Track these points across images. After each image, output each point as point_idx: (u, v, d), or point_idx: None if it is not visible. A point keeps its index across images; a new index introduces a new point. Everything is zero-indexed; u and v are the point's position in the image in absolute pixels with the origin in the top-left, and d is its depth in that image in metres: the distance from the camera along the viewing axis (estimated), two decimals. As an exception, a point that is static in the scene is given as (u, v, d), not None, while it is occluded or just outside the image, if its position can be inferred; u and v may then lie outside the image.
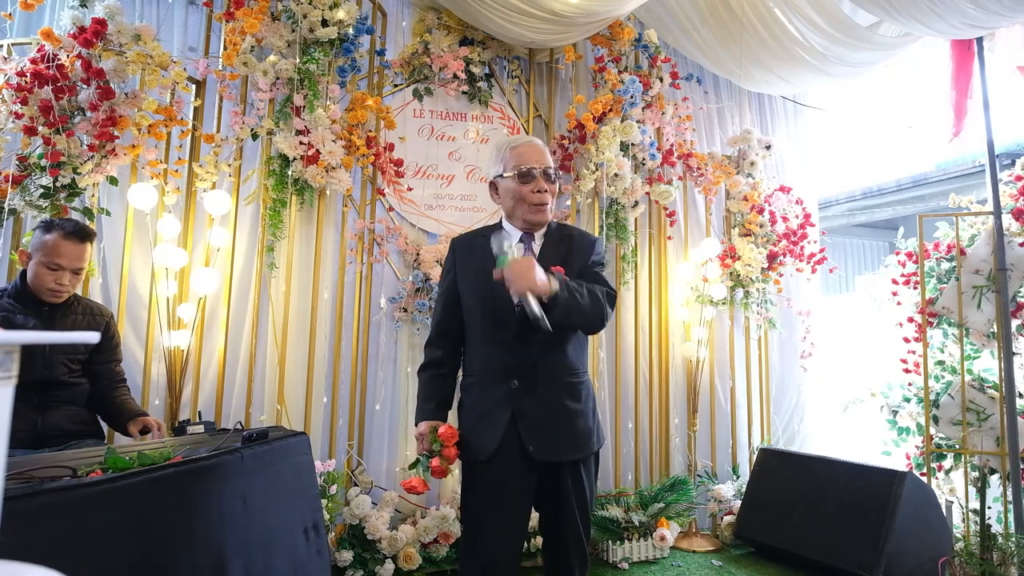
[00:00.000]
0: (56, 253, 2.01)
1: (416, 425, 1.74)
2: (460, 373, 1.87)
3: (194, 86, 2.92)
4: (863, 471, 2.89)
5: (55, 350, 2.06)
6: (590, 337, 3.35)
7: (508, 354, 1.68)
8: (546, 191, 1.73)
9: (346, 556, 2.66)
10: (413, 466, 1.67)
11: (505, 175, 1.76)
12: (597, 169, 3.43)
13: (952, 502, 3.06)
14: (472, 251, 1.81)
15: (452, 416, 1.82)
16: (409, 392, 3.18)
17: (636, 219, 3.67)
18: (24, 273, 2.06)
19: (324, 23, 2.92)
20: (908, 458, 3.41)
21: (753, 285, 3.80)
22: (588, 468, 1.75)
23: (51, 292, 2.04)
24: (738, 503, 3.41)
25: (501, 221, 1.86)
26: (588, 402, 1.76)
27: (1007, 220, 3.12)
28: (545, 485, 1.71)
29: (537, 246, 1.78)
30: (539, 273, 1.53)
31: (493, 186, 1.83)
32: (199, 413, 2.66)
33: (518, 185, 1.73)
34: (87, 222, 2.54)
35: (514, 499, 1.67)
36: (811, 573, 2.88)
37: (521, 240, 1.77)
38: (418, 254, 3.23)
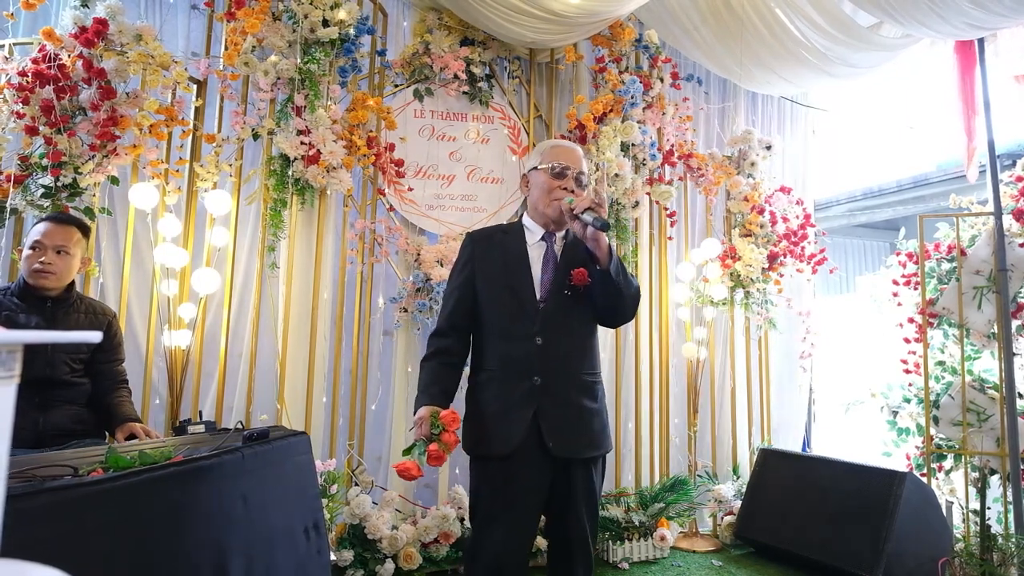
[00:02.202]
0: (38, 233, 2.06)
1: (415, 411, 1.67)
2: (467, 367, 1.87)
3: (195, 86, 2.92)
4: (863, 471, 2.89)
5: (57, 349, 2.06)
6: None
7: (531, 350, 1.68)
8: (573, 192, 1.76)
9: (347, 555, 2.66)
10: (408, 451, 1.58)
11: (539, 167, 1.79)
12: (598, 169, 3.43)
13: (952, 502, 3.06)
14: (493, 246, 1.81)
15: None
16: (409, 392, 3.18)
17: (637, 219, 3.67)
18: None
19: (325, 23, 2.92)
20: (908, 458, 3.41)
21: (753, 285, 3.80)
22: (597, 469, 1.76)
23: (36, 273, 2.03)
24: (738, 503, 3.41)
25: (522, 219, 1.86)
26: (602, 402, 1.79)
27: (1008, 221, 3.12)
28: (556, 483, 1.71)
29: (558, 248, 1.79)
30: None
31: (525, 179, 1.86)
32: (200, 413, 2.66)
33: (549, 178, 1.76)
34: (88, 222, 2.55)
35: (528, 496, 1.67)
36: (811, 573, 2.88)
37: (543, 239, 1.78)
38: (419, 254, 3.23)
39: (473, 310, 1.78)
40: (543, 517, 1.79)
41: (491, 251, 1.80)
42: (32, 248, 2.04)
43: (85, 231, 2.17)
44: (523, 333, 1.69)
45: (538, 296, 1.71)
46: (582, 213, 1.61)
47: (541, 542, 2.83)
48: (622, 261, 1.68)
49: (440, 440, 1.55)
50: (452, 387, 1.77)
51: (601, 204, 1.62)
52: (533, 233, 1.80)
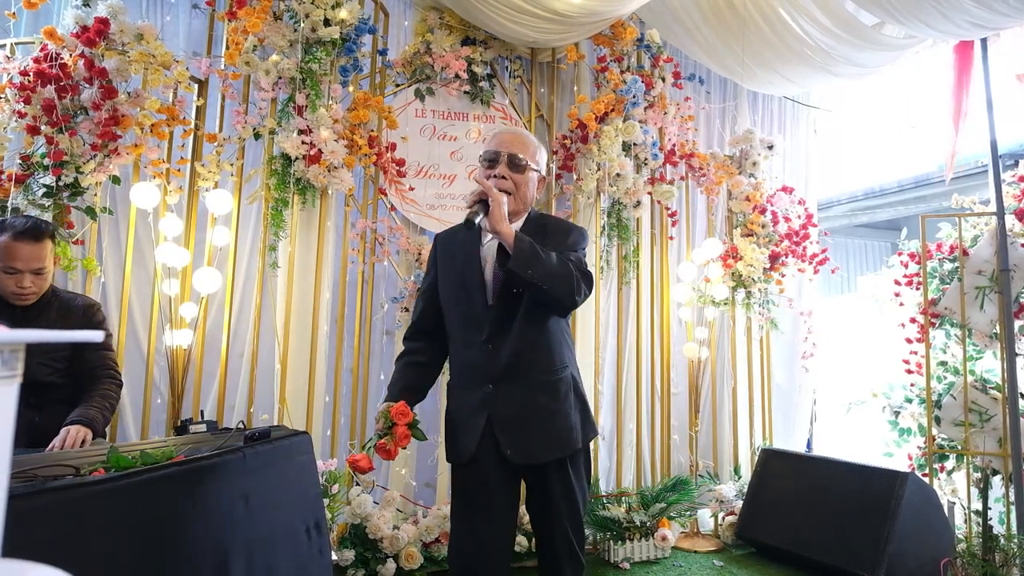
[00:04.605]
0: (10, 256, 1.90)
1: None
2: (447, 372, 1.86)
3: (196, 85, 2.92)
4: (865, 472, 2.89)
5: (30, 352, 2.00)
6: (592, 337, 3.39)
7: (481, 357, 1.66)
8: (504, 177, 1.66)
9: (348, 555, 2.66)
10: (364, 446, 1.63)
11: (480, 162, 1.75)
12: (599, 169, 3.42)
13: (954, 503, 3.06)
14: (453, 248, 1.77)
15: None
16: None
17: (638, 219, 3.67)
18: None
19: (326, 22, 2.92)
20: (910, 459, 3.41)
21: (755, 285, 3.80)
22: (576, 467, 1.70)
23: (15, 296, 1.96)
24: (739, 503, 3.40)
25: None
26: (568, 398, 1.69)
27: (1010, 221, 3.11)
28: (532, 487, 1.70)
29: None
30: (505, 217, 1.54)
31: None
32: (201, 412, 2.66)
33: (483, 169, 1.70)
34: (88, 222, 2.54)
35: (496, 502, 1.65)
36: (812, 573, 2.88)
37: (495, 237, 1.67)
38: (420, 254, 3.23)
39: (438, 315, 1.78)
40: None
41: (451, 253, 1.77)
42: (7, 271, 1.91)
43: (54, 235, 2.04)
44: (475, 340, 1.67)
45: (489, 301, 1.66)
46: (472, 207, 1.55)
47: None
48: (536, 248, 1.54)
49: (391, 434, 1.57)
50: (417, 383, 1.76)
51: (486, 193, 1.54)
52: (487, 232, 1.67)
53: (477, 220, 1.53)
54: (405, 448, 1.61)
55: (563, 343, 1.75)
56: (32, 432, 1.97)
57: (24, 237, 1.91)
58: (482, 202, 1.55)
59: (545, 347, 1.69)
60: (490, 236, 1.68)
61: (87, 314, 2.14)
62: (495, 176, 1.66)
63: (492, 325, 1.65)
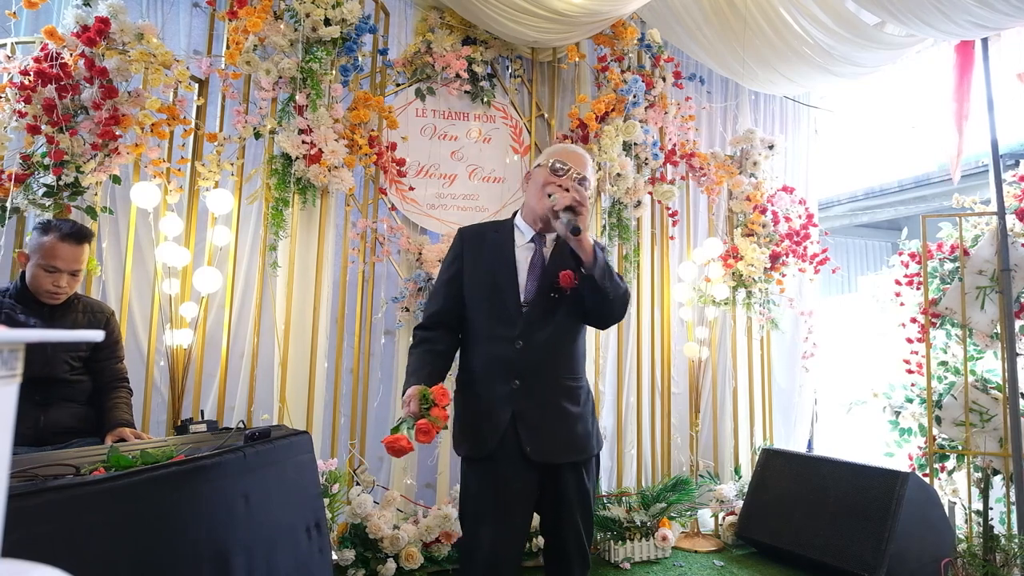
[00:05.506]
0: (53, 255, 1.99)
1: (403, 394, 1.63)
2: (456, 365, 1.84)
3: (197, 85, 2.92)
4: (865, 472, 2.88)
5: (57, 347, 2.04)
6: (593, 337, 3.38)
7: (511, 353, 1.67)
8: (568, 191, 1.70)
9: (348, 555, 2.66)
10: (396, 429, 1.53)
11: (541, 164, 1.76)
12: (600, 169, 3.42)
13: (955, 503, 3.05)
14: (482, 245, 1.78)
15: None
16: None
17: (639, 219, 3.66)
18: (24, 273, 2.05)
19: (327, 22, 2.92)
20: (911, 459, 3.41)
21: (755, 285, 3.80)
22: (589, 471, 1.74)
23: (49, 294, 2.02)
24: (740, 503, 3.40)
25: (514, 218, 1.83)
26: (587, 406, 1.76)
27: (1011, 220, 3.11)
28: (545, 487, 1.70)
29: (547, 250, 1.76)
30: (588, 233, 1.62)
31: (528, 175, 1.83)
32: (201, 412, 2.66)
33: (547, 174, 1.72)
34: (89, 221, 2.54)
35: (514, 499, 1.66)
36: (813, 574, 2.88)
37: (532, 241, 1.75)
38: (420, 254, 3.22)
39: (459, 308, 1.77)
40: (537, 516, 1.78)
41: (480, 250, 1.78)
42: (46, 270, 2.00)
43: (91, 239, 2.13)
44: (505, 336, 1.68)
45: (522, 299, 1.69)
46: (561, 211, 1.59)
47: (541, 541, 2.82)
48: (609, 263, 1.64)
49: (429, 415, 1.52)
50: (441, 370, 1.74)
51: (582, 204, 1.59)
52: (523, 234, 1.76)
53: (571, 228, 1.58)
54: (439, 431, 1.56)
55: (583, 355, 1.81)
56: (35, 430, 1.98)
57: (70, 239, 2.02)
58: (569, 209, 1.60)
59: (572, 354, 1.75)
60: (528, 238, 1.75)
61: (110, 323, 2.24)
62: (558, 185, 1.68)
63: (525, 324, 1.67)
